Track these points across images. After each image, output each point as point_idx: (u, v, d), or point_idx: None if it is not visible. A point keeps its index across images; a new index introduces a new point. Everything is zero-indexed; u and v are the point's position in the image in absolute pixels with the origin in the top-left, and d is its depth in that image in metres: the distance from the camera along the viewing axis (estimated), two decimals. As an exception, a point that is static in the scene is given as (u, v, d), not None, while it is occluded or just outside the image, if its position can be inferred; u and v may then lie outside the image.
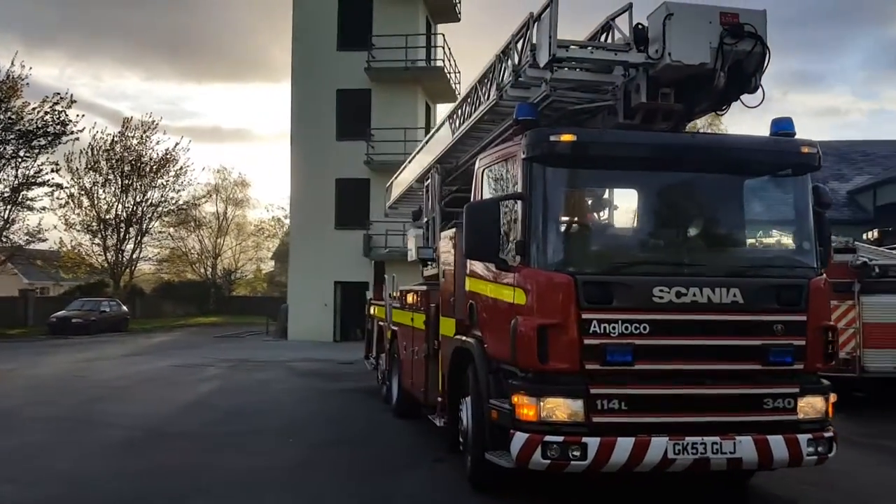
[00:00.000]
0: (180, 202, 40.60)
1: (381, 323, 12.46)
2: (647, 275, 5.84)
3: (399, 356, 10.46)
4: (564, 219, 6.13)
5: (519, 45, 6.63)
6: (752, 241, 6.59)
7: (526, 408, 5.78)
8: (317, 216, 28.25)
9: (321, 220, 28.22)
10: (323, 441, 9.03)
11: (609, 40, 6.55)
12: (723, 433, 5.77)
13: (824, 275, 6.26)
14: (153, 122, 38.42)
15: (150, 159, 37.93)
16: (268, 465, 7.72)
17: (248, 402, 12.56)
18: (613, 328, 5.69)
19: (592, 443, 5.61)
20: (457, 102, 8.65)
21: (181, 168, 39.12)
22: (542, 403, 5.72)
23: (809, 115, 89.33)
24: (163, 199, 39.28)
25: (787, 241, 6.33)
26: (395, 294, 13.25)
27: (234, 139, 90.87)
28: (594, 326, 5.68)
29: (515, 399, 5.84)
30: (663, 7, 6.04)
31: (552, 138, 5.87)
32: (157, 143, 38.68)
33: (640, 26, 6.16)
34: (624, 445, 5.63)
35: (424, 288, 8.98)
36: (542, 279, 5.83)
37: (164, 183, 38.86)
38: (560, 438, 5.62)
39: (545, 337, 5.69)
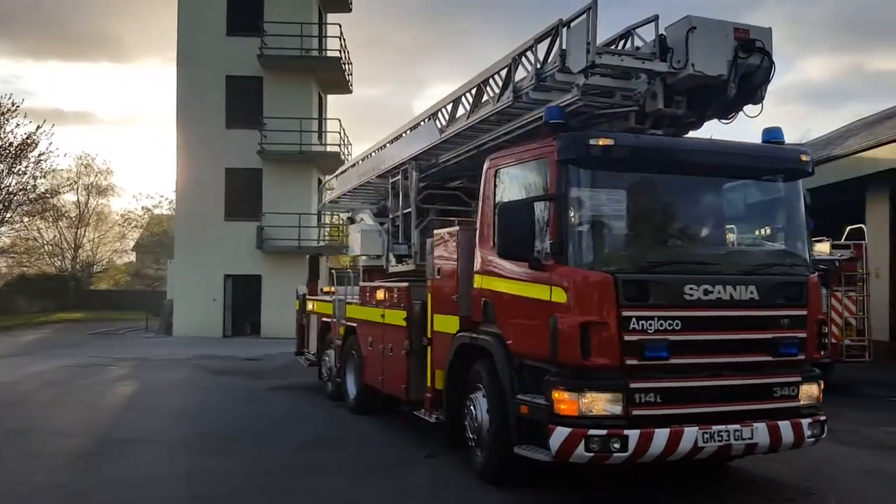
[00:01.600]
0: (40, 190, 37.62)
1: (325, 319, 12.24)
2: (678, 273, 6.18)
3: (360, 352, 10.34)
4: (600, 219, 6.34)
5: (539, 49, 6.78)
6: (761, 240, 7.09)
7: (566, 402, 5.96)
8: (205, 207, 27.09)
9: (210, 210, 27.10)
10: (298, 442, 8.79)
11: (625, 48, 6.83)
12: (741, 421, 6.21)
13: (815, 272, 6.87)
14: (13, 104, 35.31)
15: (10, 144, 34.85)
16: (264, 470, 7.43)
17: (183, 404, 12.01)
18: (650, 324, 5.98)
19: (633, 435, 5.87)
20: (442, 100, 8.67)
21: (42, 154, 36.22)
22: (583, 398, 5.92)
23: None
24: (20, 187, 36.23)
25: (789, 240, 6.88)
26: (329, 289, 13.14)
27: (77, 122, 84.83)
28: (633, 323, 5.93)
29: (556, 394, 6.00)
30: (686, 20, 6.37)
31: (591, 142, 6.08)
32: (17, 125, 35.59)
33: (662, 36, 6.47)
34: (661, 436, 5.92)
35: (405, 284, 8.94)
36: (585, 278, 6.02)
37: (23, 170, 35.87)
38: (604, 432, 5.84)
39: (587, 334, 5.90)
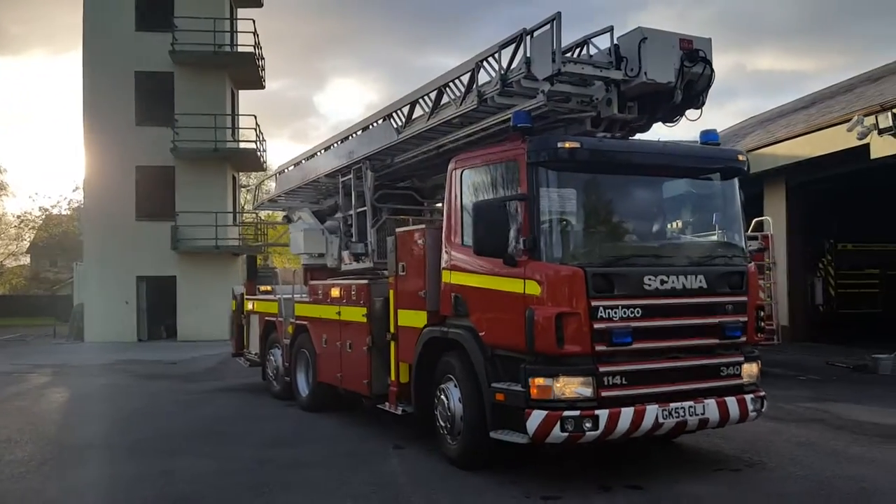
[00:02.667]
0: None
1: (269, 318, 12.29)
2: (638, 265, 6.73)
3: (313, 350, 10.49)
4: (568, 217, 6.82)
5: (502, 56, 7.17)
6: (707, 233, 7.73)
7: (542, 388, 6.41)
8: (115, 206, 26.31)
9: (120, 210, 26.35)
10: (262, 440, 8.90)
11: (580, 56, 7.33)
12: (694, 398, 6.83)
13: (753, 262, 7.58)
14: None
15: None
16: (240, 468, 7.52)
17: (124, 408, 11.84)
18: (615, 313, 6.49)
19: (603, 414, 6.38)
20: (398, 101, 8.93)
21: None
22: (557, 383, 6.39)
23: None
24: None
25: (728, 233, 7.56)
26: (267, 288, 13.21)
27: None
28: (601, 312, 6.44)
29: (532, 381, 6.44)
30: (638, 31, 6.93)
31: (559, 145, 6.54)
32: None
33: (616, 46, 7.00)
34: (626, 415, 6.46)
35: (364, 282, 9.18)
36: (557, 272, 6.48)
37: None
38: (577, 413, 6.33)
39: (561, 323, 6.36)
